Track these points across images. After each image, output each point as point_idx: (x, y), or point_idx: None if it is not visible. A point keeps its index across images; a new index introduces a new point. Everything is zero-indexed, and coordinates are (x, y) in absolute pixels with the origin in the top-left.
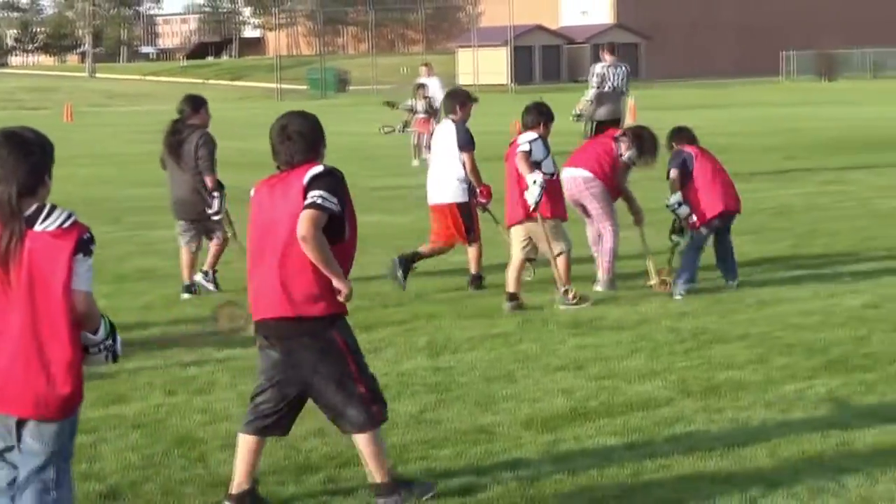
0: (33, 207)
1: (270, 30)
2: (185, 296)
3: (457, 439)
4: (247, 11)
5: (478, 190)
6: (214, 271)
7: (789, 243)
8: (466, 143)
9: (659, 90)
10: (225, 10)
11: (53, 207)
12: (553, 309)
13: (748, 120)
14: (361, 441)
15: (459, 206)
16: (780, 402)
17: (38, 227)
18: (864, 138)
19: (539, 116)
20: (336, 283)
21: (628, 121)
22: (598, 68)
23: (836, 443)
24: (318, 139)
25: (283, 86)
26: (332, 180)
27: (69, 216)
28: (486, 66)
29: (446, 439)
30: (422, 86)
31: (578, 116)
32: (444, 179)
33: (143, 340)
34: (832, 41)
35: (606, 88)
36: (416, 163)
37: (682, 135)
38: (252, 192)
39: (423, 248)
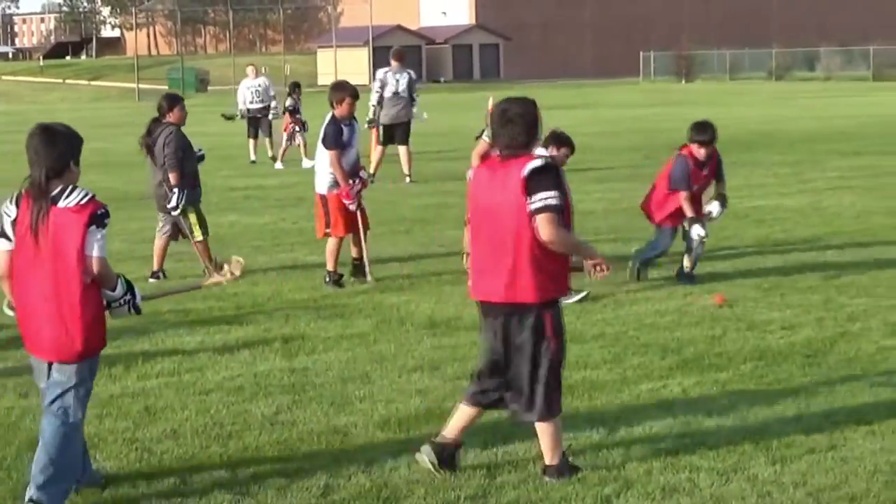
0: (59, 188)
1: (129, 29)
2: (152, 280)
3: (311, 440)
4: (105, 11)
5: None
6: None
7: (643, 244)
8: (324, 139)
9: (519, 90)
10: (83, 10)
11: (75, 188)
12: (410, 309)
13: (607, 120)
14: (542, 427)
15: (322, 197)
16: (635, 402)
17: (60, 204)
18: (720, 138)
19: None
20: (588, 260)
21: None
22: (379, 74)
23: (689, 442)
24: (535, 122)
25: (143, 86)
26: (552, 175)
27: (87, 195)
28: (346, 67)
29: (301, 440)
30: (297, 85)
31: (370, 122)
32: (318, 170)
33: None
34: (691, 42)
35: (387, 94)
36: (308, 163)
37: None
38: (470, 174)
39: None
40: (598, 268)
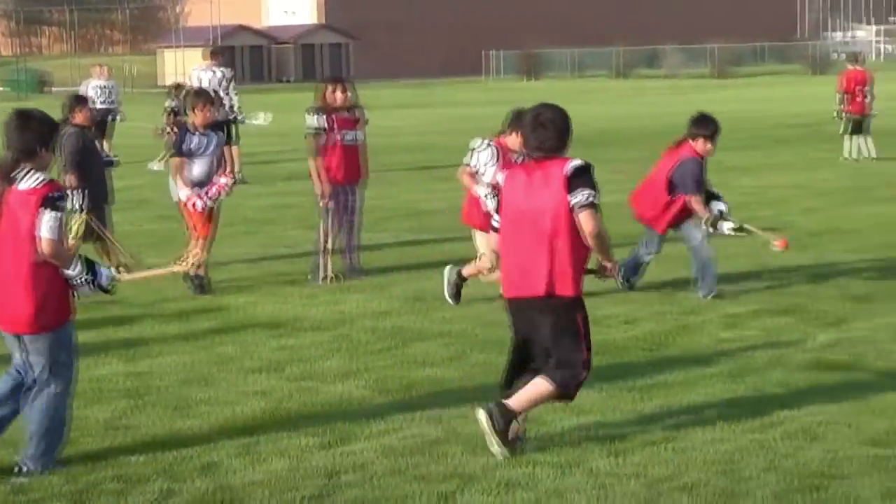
0: (24, 171)
1: None
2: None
3: (151, 445)
4: None
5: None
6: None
7: None
8: (170, 146)
9: (367, 90)
10: None
11: (35, 171)
12: (252, 310)
13: (449, 119)
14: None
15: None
16: (478, 399)
17: (20, 186)
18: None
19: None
20: (608, 262)
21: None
22: (192, 72)
23: (530, 437)
24: (567, 128)
25: None
26: (591, 174)
27: (43, 179)
28: (190, 68)
29: (140, 445)
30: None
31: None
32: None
33: None
34: (537, 41)
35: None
36: (155, 166)
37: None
38: (503, 176)
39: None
40: (611, 271)
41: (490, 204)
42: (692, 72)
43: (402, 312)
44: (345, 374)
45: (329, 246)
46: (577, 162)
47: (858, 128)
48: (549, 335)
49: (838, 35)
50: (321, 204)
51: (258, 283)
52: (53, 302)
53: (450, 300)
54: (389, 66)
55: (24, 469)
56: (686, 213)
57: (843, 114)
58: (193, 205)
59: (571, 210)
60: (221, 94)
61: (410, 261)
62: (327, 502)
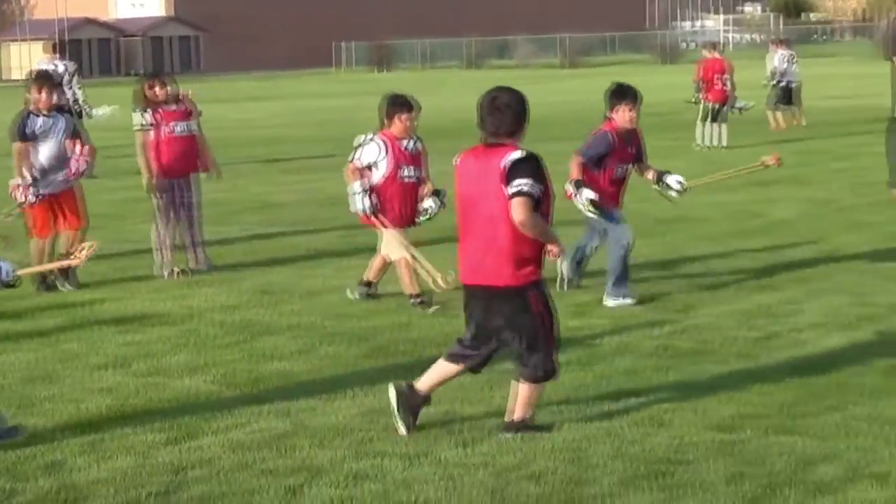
0: None
1: None
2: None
3: None
4: None
5: None
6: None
7: (340, 234)
8: (9, 132)
9: (217, 83)
10: None
11: None
12: (98, 306)
13: (299, 111)
14: (528, 387)
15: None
16: (326, 391)
17: None
18: (424, 127)
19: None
20: (553, 246)
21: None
22: (34, 66)
23: (378, 429)
24: (524, 112)
25: None
26: (530, 165)
27: None
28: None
29: None
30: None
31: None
32: None
33: None
34: (388, 32)
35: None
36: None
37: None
38: (457, 161)
39: None
40: (552, 254)
41: (360, 204)
42: (543, 62)
43: (250, 306)
44: (192, 368)
45: (169, 241)
46: (516, 154)
47: (715, 116)
48: (506, 324)
49: (687, 25)
50: (153, 199)
51: (105, 279)
52: None
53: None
54: (240, 59)
55: None
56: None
57: (702, 102)
58: (23, 195)
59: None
60: (65, 87)
61: (259, 254)
62: (173, 499)
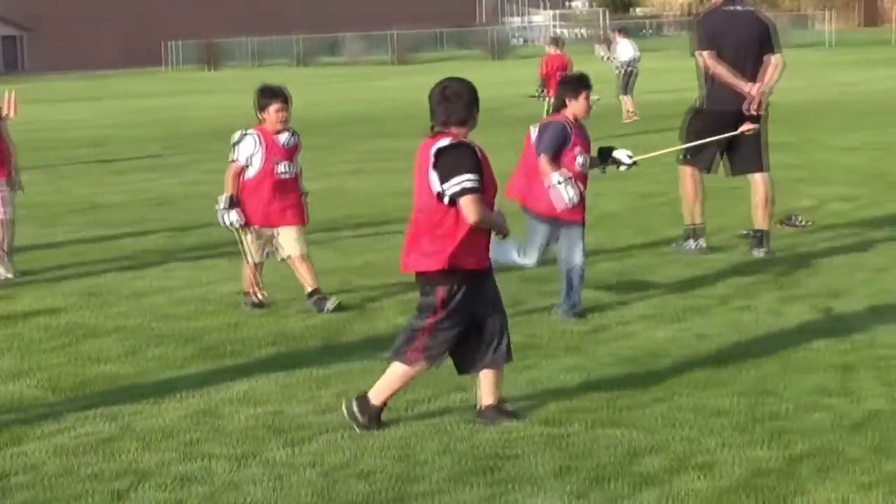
0: None
1: None
2: None
3: None
4: None
5: None
6: None
7: (168, 235)
8: None
9: (42, 83)
10: None
11: None
12: None
13: (127, 111)
14: (395, 367)
15: None
16: (154, 394)
17: None
18: (246, 125)
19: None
20: (504, 231)
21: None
22: None
23: (207, 430)
24: (475, 100)
25: None
26: (462, 155)
27: None
28: None
29: None
30: None
31: None
32: None
33: None
34: (216, 30)
35: None
36: None
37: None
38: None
39: None
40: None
41: (224, 219)
42: (373, 58)
43: (75, 309)
44: (16, 373)
45: None
46: (443, 142)
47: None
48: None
49: (516, 20)
50: None
51: None
52: None
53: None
54: (66, 59)
55: None
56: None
57: (546, 98)
58: None
59: (439, 196)
60: None
61: (85, 256)
62: None
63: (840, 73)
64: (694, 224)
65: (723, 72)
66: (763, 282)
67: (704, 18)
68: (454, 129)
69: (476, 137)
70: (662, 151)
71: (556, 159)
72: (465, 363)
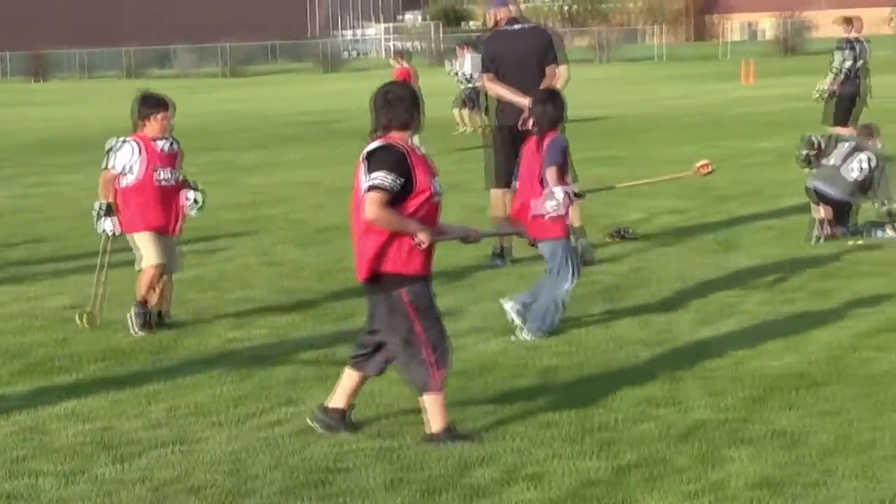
0: None
1: None
2: None
3: None
4: None
5: None
6: None
7: None
8: None
9: None
10: None
11: None
12: None
13: None
14: (423, 399)
15: None
16: None
17: None
18: (75, 138)
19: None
20: (418, 236)
21: None
22: None
23: (33, 447)
24: (417, 104)
25: None
26: (388, 156)
27: None
28: None
29: None
30: None
31: None
32: None
33: None
34: (44, 41)
35: None
36: None
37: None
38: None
39: None
40: (421, 244)
41: (100, 226)
42: (204, 71)
43: None
44: None
45: None
46: (374, 144)
47: None
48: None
49: (349, 33)
50: None
51: None
52: None
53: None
54: None
55: None
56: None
57: None
58: None
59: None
60: None
61: None
62: None
63: (670, 87)
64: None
65: (500, 90)
66: (593, 294)
67: (486, 42)
68: (395, 133)
69: (309, 150)
70: (643, 182)
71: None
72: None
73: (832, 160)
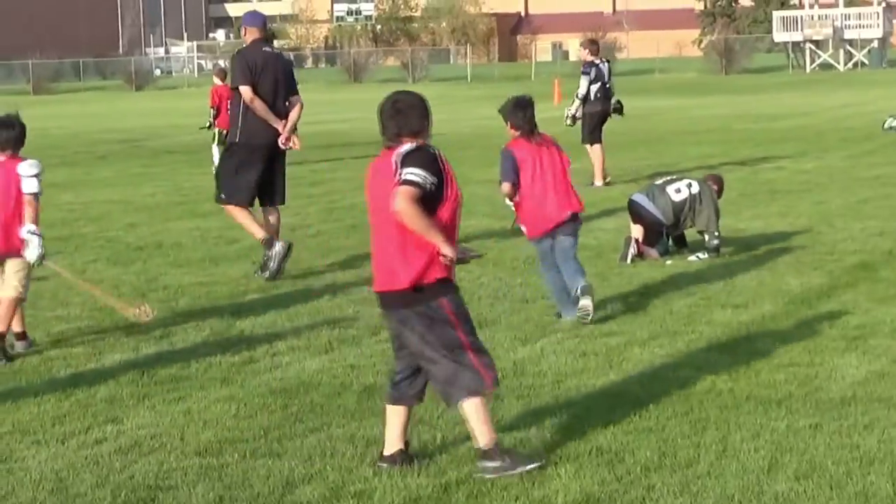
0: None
1: None
2: None
3: None
4: None
5: None
6: None
7: None
8: None
9: None
10: None
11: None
12: None
13: None
14: (469, 407)
15: None
16: None
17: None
18: None
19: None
20: (442, 249)
21: None
22: None
23: None
24: (428, 112)
25: None
26: (423, 156)
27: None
28: None
29: None
30: None
31: None
32: None
33: None
34: None
35: None
36: None
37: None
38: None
39: None
40: (447, 259)
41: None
42: (10, 87)
43: None
44: None
45: None
46: (408, 146)
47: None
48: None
49: (160, 51)
50: None
51: None
52: None
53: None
54: None
55: None
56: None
57: (216, 128)
58: None
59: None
60: None
61: None
62: None
63: (480, 108)
64: (261, 238)
65: (260, 106)
66: None
67: (243, 56)
68: (406, 141)
69: (120, 168)
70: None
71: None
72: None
73: (659, 180)
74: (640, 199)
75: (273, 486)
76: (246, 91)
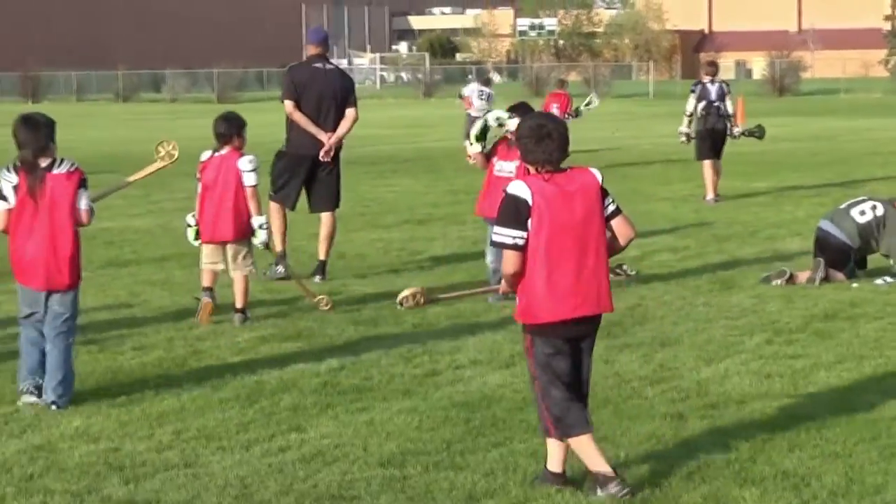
0: (49, 161)
1: None
2: None
3: None
4: None
5: None
6: None
7: None
8: None
9: None
10: None
11: (63, 159)
12: None
13: None
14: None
15: None
16: None
17: (54, 171)
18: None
19: None
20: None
21: None
22: None
23: (44, 465)
24: (568, 138)
25: None
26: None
27: (73, 164)
28: None
29: None
30: None
31: None
32: None
33: None
34: (37, 63)
35: None
36: None
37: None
38: (529, 192)
39: None
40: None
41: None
42: (195, 96)
43: None
44: None
45: None
46: (597, 173)
47: None
48: (587, 359)
49: (343, 62)
50: None
51: None
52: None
53: None
54: None
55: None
56: None
57: None
58: None
59: (607, 219)
60: None
61: None
62: None
63: (661, 125)
64: (278, 252)
65: (301, 119)
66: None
67: (291, 71)
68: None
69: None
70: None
71: None
72: None
73: (843, 204)
74: (827, 226)
75: (455, 499)
76: (287, 105)
